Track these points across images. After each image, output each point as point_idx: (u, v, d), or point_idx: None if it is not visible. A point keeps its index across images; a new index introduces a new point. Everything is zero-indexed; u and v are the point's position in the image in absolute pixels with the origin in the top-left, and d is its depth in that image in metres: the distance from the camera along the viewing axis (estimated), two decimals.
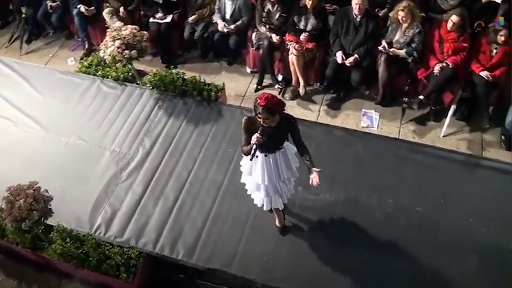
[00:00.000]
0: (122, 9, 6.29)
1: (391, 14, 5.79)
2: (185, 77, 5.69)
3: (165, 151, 5.07)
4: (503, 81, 5.59)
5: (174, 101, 5.56)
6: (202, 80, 5.65)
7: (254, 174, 3.84)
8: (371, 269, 4.10)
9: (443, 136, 5.71)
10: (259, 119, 3.47)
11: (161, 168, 4.92)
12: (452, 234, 4.31)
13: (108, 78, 5.76)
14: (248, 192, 4.20)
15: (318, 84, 6.31)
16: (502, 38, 5.37)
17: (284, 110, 3.52)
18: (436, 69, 5.54)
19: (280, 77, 6.31)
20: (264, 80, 6.36)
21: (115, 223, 4.51)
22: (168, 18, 6.36)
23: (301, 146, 3.71)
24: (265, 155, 3.71)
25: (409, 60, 5.74)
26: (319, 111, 6.06)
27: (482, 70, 5.48)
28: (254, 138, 3.48)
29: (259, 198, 4.09)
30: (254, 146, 3.51)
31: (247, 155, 3.65)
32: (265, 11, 6.03)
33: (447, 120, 5.73)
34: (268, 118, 3.43)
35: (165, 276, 4.51)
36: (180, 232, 4.41)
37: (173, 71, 5.74)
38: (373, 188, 4.64)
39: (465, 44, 5.53)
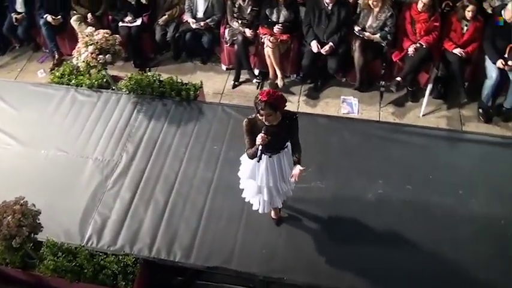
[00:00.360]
0: (89, 15, 6.16)
1: (360, 1, 5.84)
2: (161, 79, 5.61)
3: (149, 154, 4.98)
4: (476, 56, 5.72)
5: (153, 104, 5.47)
6: (179, 81, 5.59)
7: (257, 177, 3.77)
8: (368, 249, 4.12)
9: (423, 115, 5.81)
10: (261, 118, 3.42)
11: (148, 172, 4.83)
12: (443, 207, 4.39)
13: (82, 86, 5.62)
14: (247, 199, 4.15)
15: (295, 75, 6.32)
16: (470, 14, 5.47)
17: (285, 106, 3.47)
18: (411, 50, 5.62)
19: (256, 72, 6.29)
20: (241, 76, 6.33)
21: (106, 232, 4.40)
22: (138, 21, 6.26)
23: (296, 144, 3.66)
24: (270, 156, 3.63)
25: (384, 44, 5.82)
26: (299, 101, 6.07)
27: (455, 47, 5.60)
28: (259, 139, 3.42)
29: (259, 201, 4.02)
30: (260, 147, 3.45)
31: (253, 158, 3.58)
32: (236, 6, 6.00)
33: (425, 99, 5.83)
34: (271, 115, 3.37)
35: (163, 280, 4.44)
36: (175, 234, 4.33)
37: (149, 73, 5.66)
38: (362, 171, 4.67)
39: (436, 23, 5.63)
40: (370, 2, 5.62)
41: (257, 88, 6.18)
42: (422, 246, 4.14)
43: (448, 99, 5.96)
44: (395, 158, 4.81)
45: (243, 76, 6.35)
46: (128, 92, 5.56)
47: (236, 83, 6.28)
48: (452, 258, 4.06)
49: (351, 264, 4.04)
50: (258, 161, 3.53)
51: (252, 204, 4.29)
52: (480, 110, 5.72)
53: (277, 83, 6.06)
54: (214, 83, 6.37)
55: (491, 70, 5.50)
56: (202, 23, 6.11)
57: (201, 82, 5.64)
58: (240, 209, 4.44)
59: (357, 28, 5.74)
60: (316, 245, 4.19)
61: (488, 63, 5.56)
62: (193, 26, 6.12)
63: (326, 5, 5.71)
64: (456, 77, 5.69)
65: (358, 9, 5.84)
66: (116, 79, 5.78)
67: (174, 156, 4.96)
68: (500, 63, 5.39)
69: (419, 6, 5.55)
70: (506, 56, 5.41)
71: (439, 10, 5.70)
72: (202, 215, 4.45)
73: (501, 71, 5.45)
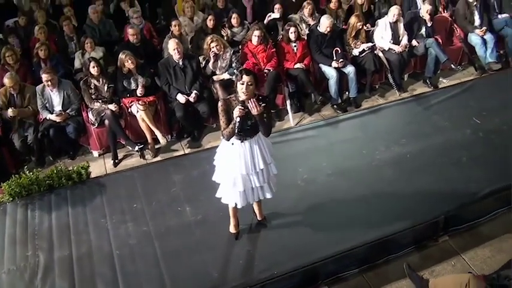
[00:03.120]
0: None
1: (204, 51, 6.45)
2: (42, 175, 5.25)
3: (68, 239, 4.52)
4: (313, 67, 6.76)
5: (45, 199, 5.04)
6: (62, 168, 5.29)
7: (230, 165, 3.80)
8: (326, 218, 4.46)
9: (295, 125, 6.47)
10: (239, 90, 3.57)
11: (75, 254, 4.35)
12: (361, 166, 5.10)
13: None
14: (222, 200, 4.07)
15: (169, 136, 6.46)
16: (293, 35, 6.53)
17: (260, 86, 3.62)
18: None
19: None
20: (118, 154, 6.20)
21: None
22: None
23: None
24: (242, 141, 3.72)
25: (233, 79, 6.42)
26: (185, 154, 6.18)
27: (295, 64, 6.54)
28: (237, 111, 3.55)
29: (233, 195, 3.96)
30: (238, 119, 3.56)
31: (231, 136, 3.67)
32: (92, 87, 6.03)
33: (290, 114, 6.57)
34: (252, 84, 3.55)
35: None
36: None
37: (26, 172, 5.21)
38: (282, 170, 4.91)
39: (273, 50, 6.56)
40: (214, 48, 6.27)
41: (140, 157, 6.11)
42: (359, 200, 4.65)
43: (306, 108, 6.81)
44: (300, 153, 5.41)
45: (120, 154, 6.23)
46: (11, 199, 5.03)
47: (116, 161, 6.11)
48: (383, 198, 4.64)
49: (321, 234, 4.27)
50: (237, 132, 3.61)
51: (202, 230, 4.36)
52: (335, 107, 6.68)
53: (157, 148, 6.13)
54: (92, 170, 6.02)
55: (330, 71, 6.55)
56: (63, 113, 5.95)
57: (87, 162, 5.42)
58: (193, 239, 4.35)
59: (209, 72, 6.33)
60: (283, 233, 4.33)
61: (325, 68, 6.62)
62: (56, 119, 5.89)
63: (176, 61, 6.15)
64: (306, 85, 6.58)
65: (205, 58, 6.42)
66: None
67: (96, 229, 4.61)
68: (335, 63, 6.50)
69: (254, 40, 6.42)
70: (335, 58, 6.55)
71: (270, 40, 6.65)
72: (159, 263, 4.16)
73: (337, 70, 6.53)
